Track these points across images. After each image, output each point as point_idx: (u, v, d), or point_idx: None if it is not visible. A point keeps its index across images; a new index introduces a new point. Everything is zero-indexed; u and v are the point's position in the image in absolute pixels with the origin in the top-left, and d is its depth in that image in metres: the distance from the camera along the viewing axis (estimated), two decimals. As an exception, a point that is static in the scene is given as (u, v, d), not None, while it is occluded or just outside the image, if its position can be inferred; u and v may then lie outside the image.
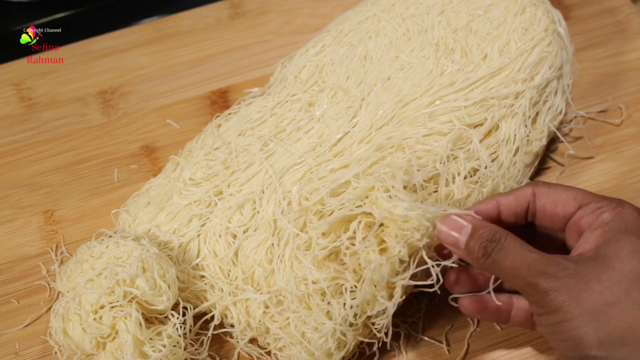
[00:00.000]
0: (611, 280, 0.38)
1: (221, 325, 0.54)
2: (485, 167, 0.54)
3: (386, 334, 0.49)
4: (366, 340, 0.50)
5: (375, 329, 0.49)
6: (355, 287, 0.48)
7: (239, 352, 0.54)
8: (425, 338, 0.55)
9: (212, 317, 0.53)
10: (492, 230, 0.43)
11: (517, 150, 0.56)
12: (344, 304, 0.48)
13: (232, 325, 0.53)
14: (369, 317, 0.49)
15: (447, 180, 0.53)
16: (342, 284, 0.48)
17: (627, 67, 0.70)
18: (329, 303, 0.49)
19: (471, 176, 0.54)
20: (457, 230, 0.43)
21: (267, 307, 0.51)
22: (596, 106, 0.67)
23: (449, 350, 0.55)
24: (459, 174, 0.53)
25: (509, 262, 0.41)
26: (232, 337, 0.54)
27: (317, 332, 0.48)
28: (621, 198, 0.44)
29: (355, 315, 0.48)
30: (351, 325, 0.49)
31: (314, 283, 0.49)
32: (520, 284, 0.41)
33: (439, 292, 0.45)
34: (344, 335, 0.49)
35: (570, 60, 0.61)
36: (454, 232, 0.43)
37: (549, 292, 0.39)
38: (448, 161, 0.53)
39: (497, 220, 0.46)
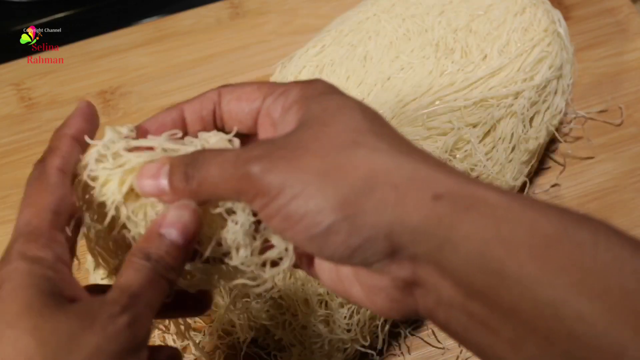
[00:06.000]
0: (331, 136, 0.32)
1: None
2: (483, 166, 0.54)
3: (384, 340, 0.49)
4: (363, 350, 0.50)
5: (375, 335, 0.50)
6: None
7: (240, 353, 0.54)
8: (425, 338, 0.55)
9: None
10: (188, 155, 0.34)
11: (513, 148, 0.56)
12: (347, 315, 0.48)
13: (234, 326, 0.53)
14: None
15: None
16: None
17: (627, 67, 0.70)
18: (326, 306, 0.49)
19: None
20: (155, 176, 0.34)
21: (267, 310, 0.51)
22: (596, 106, 0.67)
23: (449, 350, 0.55)
24: None
25: (213, 170, 0.33)
26: (233, 337, 0.54)
27: (315, 337, 0.48)
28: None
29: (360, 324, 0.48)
30: (349, 331, 0.49)
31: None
32: (233, 187, 0.32)
33: None
34: (343, 342, 0.49)
35: (570, 61, 0.61)
36: (153, 180, 0.34)
37: (264, 175, 0.31)
38: (449, 161, 0.53)
39: (183, 128, 0.38)
